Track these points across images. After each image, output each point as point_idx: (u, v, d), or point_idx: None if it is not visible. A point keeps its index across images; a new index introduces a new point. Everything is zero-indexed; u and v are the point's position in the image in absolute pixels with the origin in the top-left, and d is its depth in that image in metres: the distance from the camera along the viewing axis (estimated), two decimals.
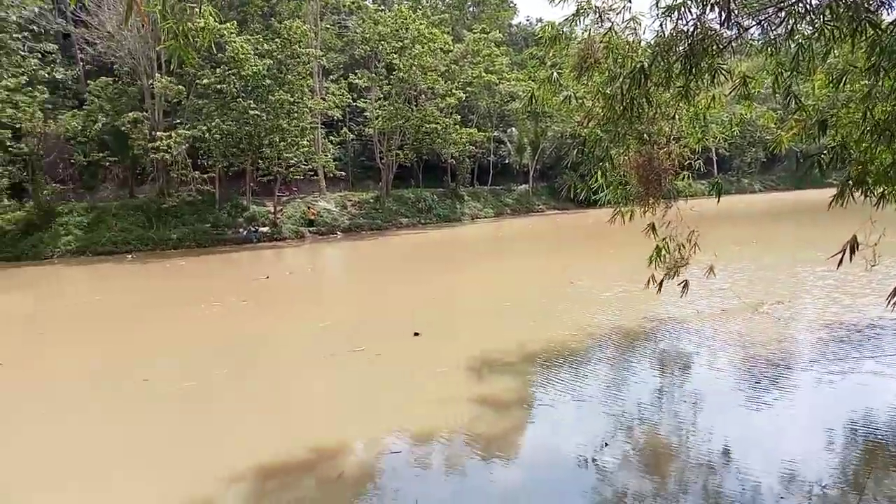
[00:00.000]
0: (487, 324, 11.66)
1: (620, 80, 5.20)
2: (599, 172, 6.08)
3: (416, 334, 10.34)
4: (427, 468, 5.81)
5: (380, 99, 37.45)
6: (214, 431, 6.89)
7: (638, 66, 4.96)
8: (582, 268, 17.98)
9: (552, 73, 5.93)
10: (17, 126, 28.67)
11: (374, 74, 37.74)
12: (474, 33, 39.33)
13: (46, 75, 29.98)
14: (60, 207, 29.35)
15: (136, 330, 12.58)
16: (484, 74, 38.95)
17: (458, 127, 38.38)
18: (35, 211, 28.33)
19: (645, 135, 5.87)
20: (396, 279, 18.44)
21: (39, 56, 30.33)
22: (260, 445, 6.30)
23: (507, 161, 51.83)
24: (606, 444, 5.92)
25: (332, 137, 36.83)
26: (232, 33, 28.49)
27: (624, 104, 5.24)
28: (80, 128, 30.97)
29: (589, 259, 21.02)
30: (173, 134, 29.24)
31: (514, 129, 50.67)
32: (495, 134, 48.34)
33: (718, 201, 8.87)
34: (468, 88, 39.03)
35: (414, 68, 35.18)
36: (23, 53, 29.29)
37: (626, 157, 5.93)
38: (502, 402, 7.18)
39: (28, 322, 14.95)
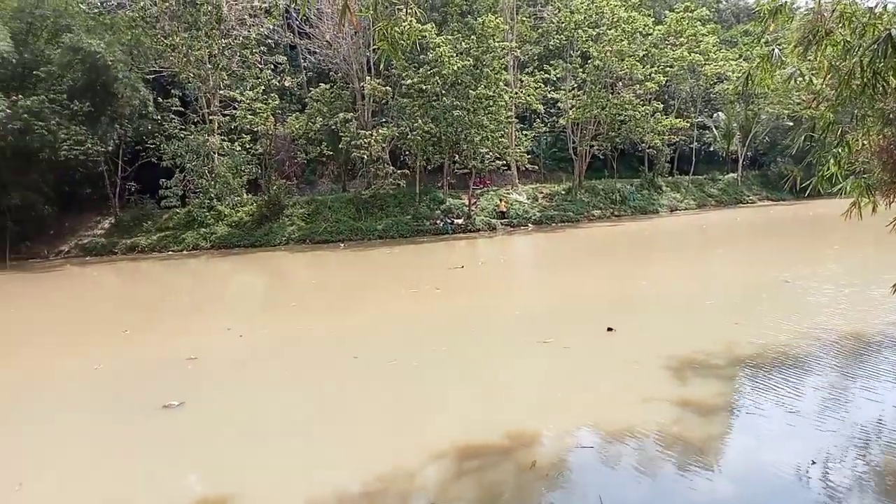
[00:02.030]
0: (687, 322, 10.98)
1: (860, 52, 4.54)
2: (832, 160, 5.38)
3: (610, 329, 10.05)
4: (618, 467, 5.66)
5: (574, 89, 36.82)
6: (417, 408, 7.38)
7: (884, 34, 4.28)
8: (799, 265, 16.07)
9: (772, 49, 5.36)
10: (255, 129, 33.16)
11: (568, 64, 37.19)
12: (677, 12, 36.90)
13: (277, 84, 34.05)
14: (287, 201, 33.20)
15: (346, 310, 13.90)
16: (687, 55, 36.36)
17: (658, 114, 36.40)
18: (267, 204, 32.40)
19: (891, 114, 5.07)
20: (588, 271, 18.09)
21: (272, 67, 34.54)
22: (459, 426, 6.62)
23: (711, 148, 48.09)
24: (814, 463, 5.35)
25: (525, 131, 37.06)
26: (433, 34, 29.93)
27: (864, 80, 4.57)
28: (302, 129, 34.85)
29: (807, 256, 18.72)
30: (376, 132, 31.59)
31: (720, 113, 46.81)
32: (699, 119, 45.02)
33: None
34: (669, 71, 36.73)
35: (610, 54, 34.02)
36: (260, 66, 33.61)
37: (867, 142, 5.17)
38: (705, 407, 6.73)
39: (263, 298, 17.31)
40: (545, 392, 7.79)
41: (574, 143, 38.23)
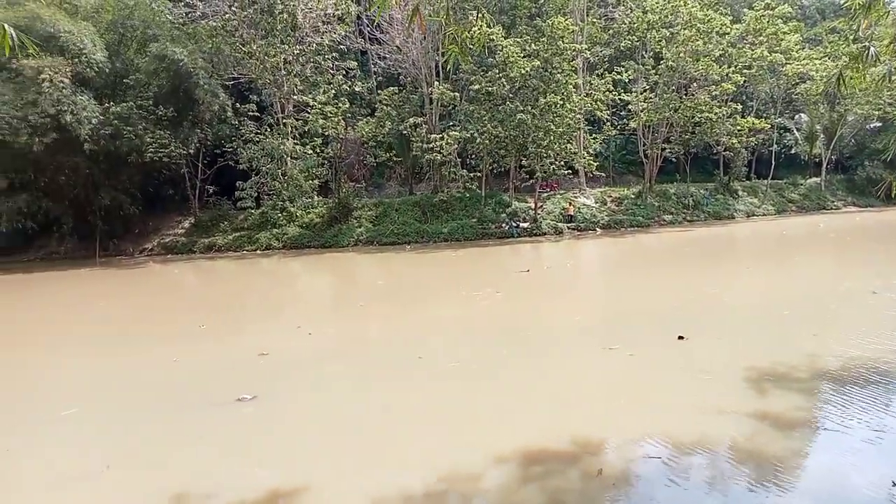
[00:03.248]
0: (763, 332, 10.50)
1: None
2: None
3: (681, 338, 9.73)
4: (687, 480, 5.46)
5: (645, 90, 35.92)
6: (480, 411, 7.36)
7: None
8: (890, 275, 15.08)
9: (866, 46, 5.06)
10: (326, 133, 34.09)
11: (640, 65, 36.34)
12: (756, 10, 35.42)
13: (348, 88, 34.86)
14: (355, 203, 33.92)
15: (411, 310, 14.07)
16: (767, 55, 34.82)
17: (736, 116, 35.03)
18: (337, 206, 33.21)
19: None
20: (657, 277, 17.58)
21: (344, 73, 35.41)
22: (523, 430, 6.56)
23: (792, 151, 45.84)
24: (895, 484, 5.01)
25: (594, 134, 36.45)
26: (501, 37, 29.89)
27: None
28: (371, 133, 35.53)
29: None
30: (445, 136, 31.82)
31: (802, 114, 44.61)
32: (779, 121, 43.01)
33: None
34: (746, 72, 35.27)
35: (684, 55, 33.03)
36: (332, 72, 34.51)
37: None
38: (783, 421, 6.41)
39: (332, 297, 17.75)
40: (611, 399, 7.62)
41: (645, 145, 37.29)
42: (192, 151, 33.35)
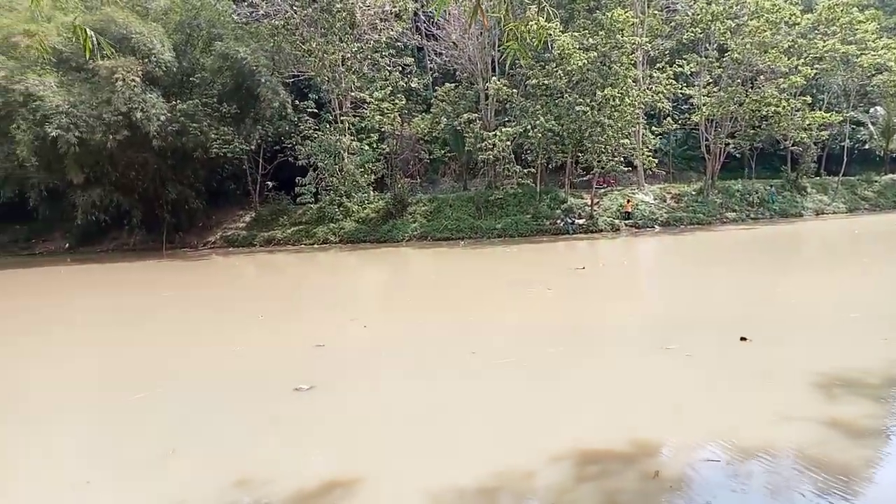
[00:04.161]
0: (831, 335, 10.00)
1: None
2: None
3: (744, 339, 9.38)
4: (748, 486, 5.26)
5: (709, 84, 34.75)
6: (534, 408, 7.28)
7: None
8: None
9: None
10: (382, 129, 34.50)
11: (703, 58, 35.18)
12: None
13: (404, 85, 35.15)
14: (410, 199, 34.20)
15: (464, 306, 14.04)
16: (839, 46, 33.11)
17: (805, 110, 33.51)
18: (392, 201, 33.57)
19: None
20: (717, 277, 17.01)
21: (400, 69, 35.72)
22: (578, 428, 6.46)
23: (866, 146, 43.49)
24: None
25: (653, 128, 35.56)
26: (558, 31, 29.50)
27: None
28: (426, 129, 35.75)
29: None
30: (498, 132, 31.67)
31: (879, 108, 42.19)
32: (851, 114, 40.87)
33: None
34: (818, 65, 33.64)
35: (751, 47, 31.79)
36: (389, 68, 34.86)
37: None
38: (854, 429, 6.09)
39: (386, 291, 17.98)
40: (668, 400, 7.42)
41: (707, 140, 36.09)
42: (253, 147, 34.36)
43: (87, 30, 4.78)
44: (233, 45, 30.77)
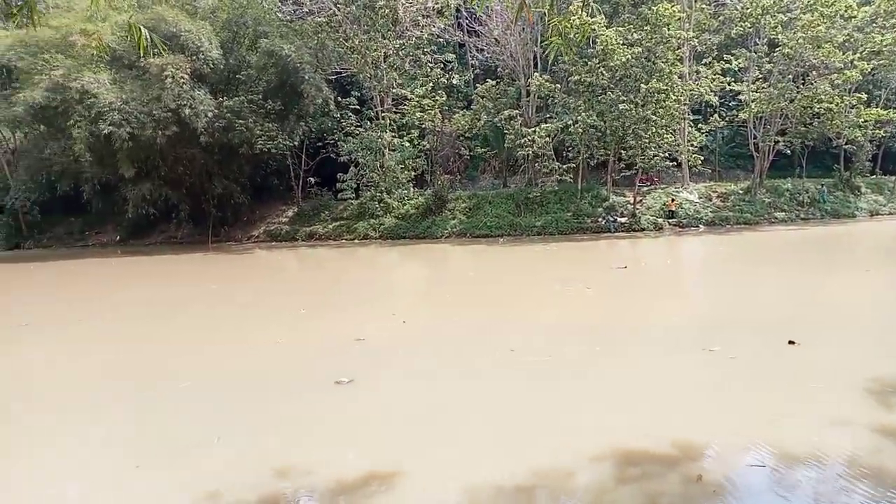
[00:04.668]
0: (883, 340, 9.62)
1: None
2: None
3: (792, 342, 9.11)
4: (795, 493, 5.12)
5: (758, 80, 33.74)
6: (574, 407, 7.23)
7: None
8: None
9: None
10: (422, 126, 34.62)
11: (752, 53, 34.17)
12: None
13: (445, 81, 35.17)
14: (450, 195, 34.23)
15: (502, 302, 14.03)
16: None
17: (860, 107, 32.25)
18: (432, 198, 33.67)
19: None
20: (764, 278, 16.54)
21: (441, 66, 35.74)
22: (618, 429, 6.39)
23: None
24: None
25: (700, 125, 34.74)
26: (602, 26, 29.05)
27: None
28: (467, 126, 35.71)
29: None
30: (538, 129, 31.40)
31: None
32: None
33: None
34: (875, 60, 32.29)
35: (803, 41, 30.72)
36: (430, 65, 34.93)
37: None
38: None
39: (425, 287, 18.07)
40: (711, 402, 7.27)
41: (756, 138, 35.05)
42: (296, 143, 34.92)
43: (142, 28, 4.94)
44: (278, 42, 31.27)
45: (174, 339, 11.70)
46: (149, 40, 4.98)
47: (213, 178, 34.35)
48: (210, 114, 29.46)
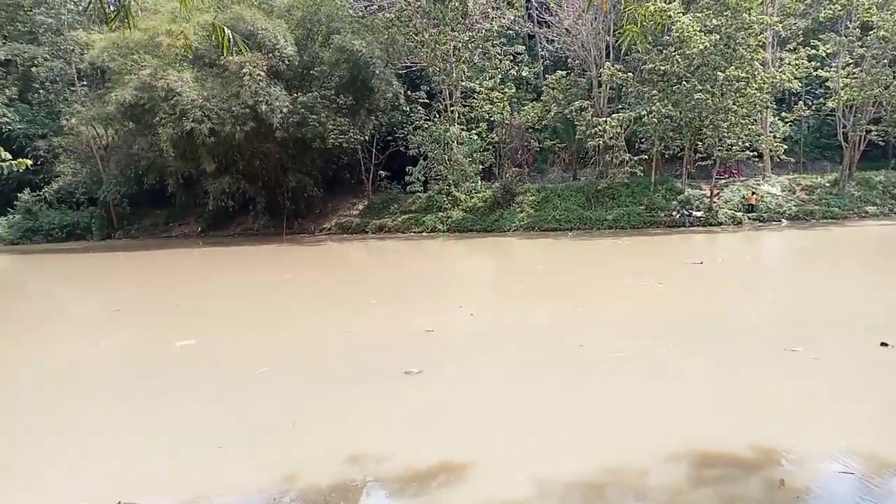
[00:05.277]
0: None
1: None
2: None
3: (884, 344, 8.55)
4: (886, 502, 4.83)
5: (848, 65, 31.71)
6: (649, 404, 7.03)
7: None
8: None
9: None
10: (491, 118, 34.50)
11: (842, 37, 32.13)
12: None
13: (514, 73, 34.89)
14: (518, 188, 34.00)
15: (571, 297, 13.81)
16: None
17: None
18: (500, 191, 33.56)
19: None
20: (852, 275, 15.62)
21: (511, 57, 35.47)
22: (696, 429, 6.18)
23: None
24: None
25: (783, 114, 33.02)
26: (679, 13, 28.05)
27: None
28: (536, 118, 35.34)
29: None
30: (609, 119, 30.67)
31: None
32: None
33: None
34: None
35: None
36: (500, 57, 34.73)
37: None
38: None
39: (492, 280, 18.06)
40: (795, 405, 6.92)
41: (845, 127, 32.98)
42: (367, 137, 35.55)
43: (225, 28, 5.13)
44: (350, 38, 31.87)
45: (250, 327, 12.17)
46: (231, 39, 5.16)
47: (288, 171, 35.48)
48: (285, 109, 30.37)
